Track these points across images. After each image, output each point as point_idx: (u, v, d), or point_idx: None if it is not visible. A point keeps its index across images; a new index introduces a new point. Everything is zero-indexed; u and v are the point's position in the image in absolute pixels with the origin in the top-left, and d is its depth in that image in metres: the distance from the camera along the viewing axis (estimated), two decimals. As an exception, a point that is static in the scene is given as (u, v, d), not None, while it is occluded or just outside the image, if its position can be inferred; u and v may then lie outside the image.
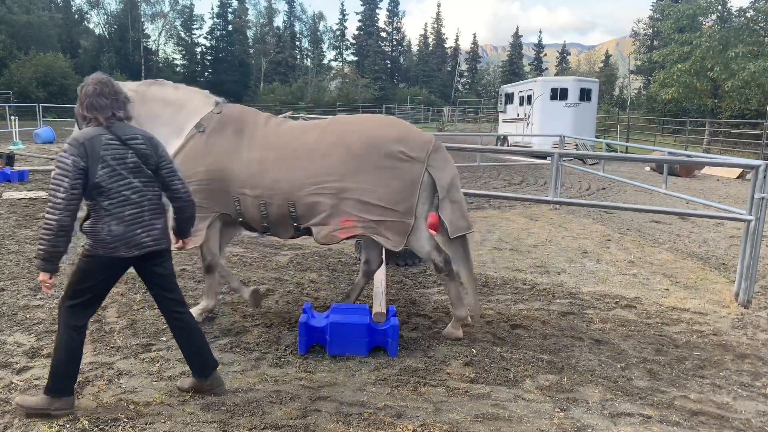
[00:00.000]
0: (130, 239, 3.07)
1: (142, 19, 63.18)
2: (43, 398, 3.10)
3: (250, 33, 69.73)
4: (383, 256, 4.85)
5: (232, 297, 5.15)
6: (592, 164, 17.58)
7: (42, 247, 2.90)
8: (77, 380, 3.26)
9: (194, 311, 4.28)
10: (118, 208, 3.03)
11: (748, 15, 28.67)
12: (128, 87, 4.44)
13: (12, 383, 3.46)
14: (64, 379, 3.10)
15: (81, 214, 3.04)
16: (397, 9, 73.02)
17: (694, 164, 16.40)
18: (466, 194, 8.42)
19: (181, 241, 3.52)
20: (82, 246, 3.11)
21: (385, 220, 4.03)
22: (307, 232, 4.24)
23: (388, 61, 72.46)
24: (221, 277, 4.68)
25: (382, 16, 71.89)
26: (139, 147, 3.11)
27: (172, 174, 3.24)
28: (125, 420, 3.10)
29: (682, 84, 29.34)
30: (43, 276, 2.99)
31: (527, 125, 24.05)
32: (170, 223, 3.41)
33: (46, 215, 2.90)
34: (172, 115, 4.34)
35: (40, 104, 26.40)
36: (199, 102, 4.44)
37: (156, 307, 4.80)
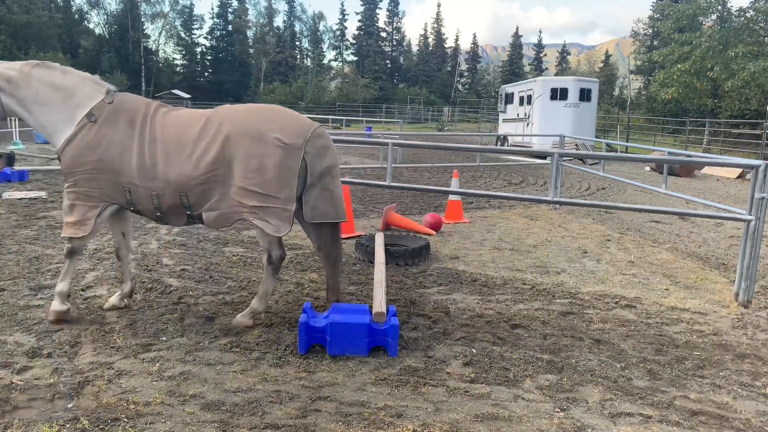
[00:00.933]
0: None
1: (142, 19, 63.19)
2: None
3: (250, 33, 69.77)
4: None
5: (232, 297, 5.15)
6: (592, 164, 17.58)
7: None
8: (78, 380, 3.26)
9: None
10: None
11: (748, 15, 28.68)
12: (8, 66, 4.45)
13: (12, 383, 3.46)
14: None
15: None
16: (397, 9, 73.06)
17: (694, 164, 16.40)
18: (465, 194, 8.47)
19: None
20: None
21: (266, 207, 4.12)
22: (200, 219, 4.36)
23: (388, 61, 72.49)
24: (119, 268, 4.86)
25: (382, 16, 71.99)
26: None
27: None
28: (125, 420, 3.10)
29: (682, 84, 29.37)
30: None
31: (527, 125, 24.06)
32: None
33: None
34: (62, 101, 4.32)
35: (40, 104, 26.33)
36: (89, 89, 4.39)
37: (156, 307, 4.81)
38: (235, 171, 4.11)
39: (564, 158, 12.32)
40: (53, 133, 4.37)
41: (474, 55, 77.81)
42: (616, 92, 65.15)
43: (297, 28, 73.15)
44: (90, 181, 4.22)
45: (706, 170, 18.56)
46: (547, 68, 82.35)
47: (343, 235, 7.72)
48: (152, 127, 4.28)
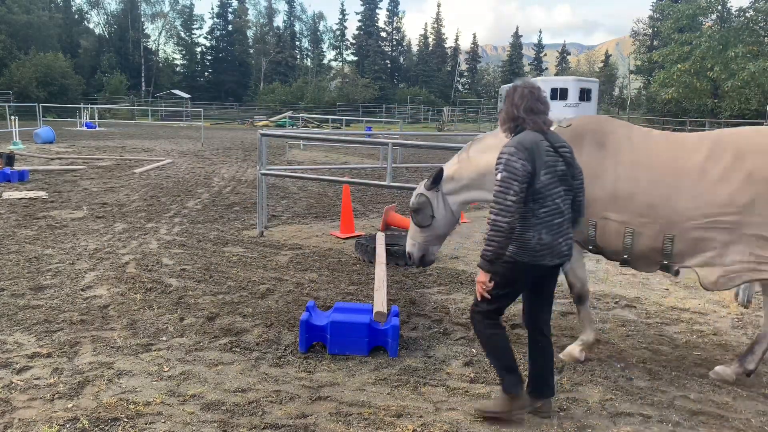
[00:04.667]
0: (556, 248, 3.03)
1: (142, 19, 63.21)
2: (502, 399, 3.18)
3: (250, 33, 69.79)
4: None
5: (232, 297, 5.15)
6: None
7: (490, 249, 2.89)
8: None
9: (572, 347, 4.14)
10: (549, 217, 2.99)
11: (748, 15, 28.71)
12: (451, 163, 4.25)
13: (12, 383, 3.46)
14: (509, 375, 3.14)
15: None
16: (397, 9, 73.07)
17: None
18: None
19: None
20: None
21: None
22: (674, 270, 3.67)
23: (388, 61, 72.52)
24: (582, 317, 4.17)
25: (382, 16, 71.97)
26: (567, 155, 3.07)
27: (581, 186, 3.19)
28: (125, 420, 3.10)
29: (682, 84, 29.40)
30: (483, 277, 2.97)
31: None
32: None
33: (497, 218, 2.86)
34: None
35: (40, 104, 26.40)
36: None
37: (156, 307, 4.81)
38: (755, 217, 3.29)
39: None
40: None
41: (474, 55, 77.83)
42: (616, 92, 65.17)
43: (297, 28, 73.23)
44: None
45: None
46: (547, 68, 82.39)
47: (343, 236, 7.74)
48: (633, 149, 3.66)
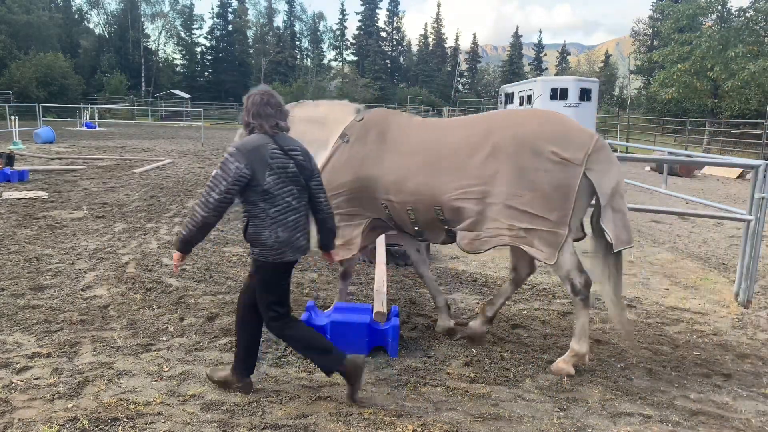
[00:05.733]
0: (294, 243, 3.23)
1: (142, 19, 63.17)
2: (229, 375, 3.43)
3: (250, 33, 69.74)
4: (534, 265, 4.38)
5: (232, 297, 5.15)
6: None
7: (184, 233, 3.13)
8: (78, 380, 3.28)
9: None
10: (282, 215, 3.17)
11: (748, 15, 28.66)
12: None
13: (12, 383, 3.46)
14: (246, 360, 3.43)
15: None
16: (397, 9, 73.02)
17: (694, 164, 16.40)
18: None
19: (328, 255, 3.65)
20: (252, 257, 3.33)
21: (535, 229, 3.64)
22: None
23: (388, 61, 72.47)
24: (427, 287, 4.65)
25: (382, 16, 71.91)
26: (298, 158, 3.24)
27: (319, 187, 3.40)
28: (125, 420, 3.10)
29: (682, 84, 29.34)
30: (176, 255, 3.23)
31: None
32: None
33: (196, 209, 3.10)
34: (318, 131, 4.34)
35: (40, 104, 26.38)
36: (340, 113, 4.41)
37: (156, 307, 4.82)
38: (500, 187, 3.69)
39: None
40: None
41: (474, 55, 77.78)
42: (616, 92, 65.17)
43: (297, 28, 73.15)
44: (350, 201, 4.12)
45: (706, 170, 18.55)
46: (547, 68, 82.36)
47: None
48: (406, 137, 4.07)
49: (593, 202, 3.82)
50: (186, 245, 3.16)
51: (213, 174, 3.08)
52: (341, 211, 4.13)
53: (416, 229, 4.10)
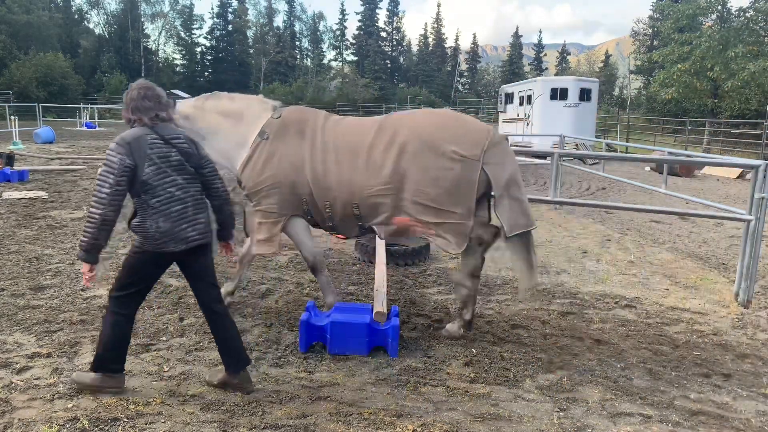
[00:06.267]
0: (177, 234, 3.20)
1: (142, 19, 63.17)
2: (96, 376, 3.32)
3: (250, 33, 69.71)
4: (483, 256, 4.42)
5: (231, 297, 5.14)
6: (592, 164, 17.57)
7: (84, 239, 3.07)
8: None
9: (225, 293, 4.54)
10: (165, 206, 3.15)
11: (748, 15, 28.65)
12: (187, 104, 4.60)
13: (12, 383, 3.46)
14: (115, 359, 3.33)
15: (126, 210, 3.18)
16: (397, 9, 72.99)
17: (694, 164, 16.40)
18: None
19: (226, 246, 3.65)
20: (131, 242, 3.26)
21: (442, 222, 3.96)
22: (372, 230, 4.26)
23: (388, 61, 72.42)
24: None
25: (382, 16, 71.85)
26: (182, 146, 3.24)
27: (213, 173, 3.41)
28: (125, 420, 3.10)
29: (682, 84, 29.34)
30: (84, 267, 3.18)
31: (527, 125, 24.04)
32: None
33: (91, 209, 3.06)
34: (234, 126, 4.39)
35: (40, 104, 26.40)
36: (257, 109, 4.45)
37: (156, 307, 4.81)
38: (408, 184, 3.95)
39: (564, 158, 12.32)
40: (231, 158, 4.40)
41: (474, 55, 77.74)
42: (616, 92, 65.14)
43: (297, 28, 73.08)
44: (269, 197, 4.20)
45: (706, 170, 18.55)
46: (547, 68, 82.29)
47: (343, 236, 7.73)
48: (323, 136, 4.20)
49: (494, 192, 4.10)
50: (91, 251, 3.09)
51: (99, 171, 3.08)
52: (261, 207, 4.26)
53: (330, 224, 4.29)
